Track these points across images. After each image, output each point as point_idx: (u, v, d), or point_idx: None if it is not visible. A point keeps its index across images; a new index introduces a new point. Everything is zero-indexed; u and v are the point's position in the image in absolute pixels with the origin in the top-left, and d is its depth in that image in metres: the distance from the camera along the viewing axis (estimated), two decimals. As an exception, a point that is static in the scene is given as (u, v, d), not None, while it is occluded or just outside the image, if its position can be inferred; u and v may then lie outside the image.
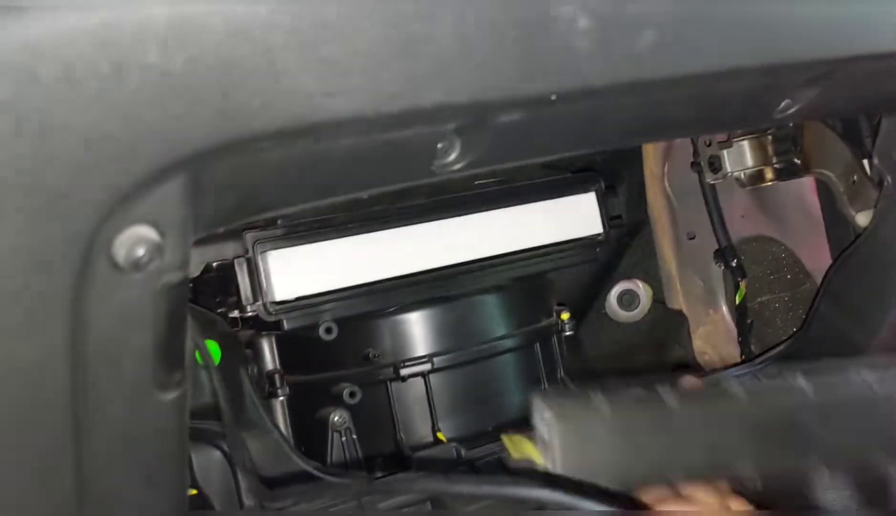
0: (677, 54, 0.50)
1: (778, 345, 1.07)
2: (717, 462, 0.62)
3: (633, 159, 1.26)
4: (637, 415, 0.62)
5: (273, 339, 1.03)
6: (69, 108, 0.35)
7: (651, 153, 1.25)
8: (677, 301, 1.39)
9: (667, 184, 1.26)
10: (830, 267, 0.98)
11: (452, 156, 0.57)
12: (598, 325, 1.42)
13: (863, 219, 0.91)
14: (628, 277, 1.41)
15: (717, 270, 1.27)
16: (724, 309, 1.29)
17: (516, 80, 0.46)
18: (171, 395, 0.50)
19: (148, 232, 0.42)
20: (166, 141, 0.38)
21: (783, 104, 0.69)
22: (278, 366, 1.02)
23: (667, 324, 1.41)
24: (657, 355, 1.44)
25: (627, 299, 1.43)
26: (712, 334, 1.34)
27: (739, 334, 1.17)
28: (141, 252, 0.42)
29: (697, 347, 1.38)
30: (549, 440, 0.60)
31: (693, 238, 1.28)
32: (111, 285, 0.42)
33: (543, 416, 0.60)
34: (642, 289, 1.41)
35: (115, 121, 0.36)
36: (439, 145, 0.55)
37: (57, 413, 0.42)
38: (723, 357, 1.32)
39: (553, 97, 0.49)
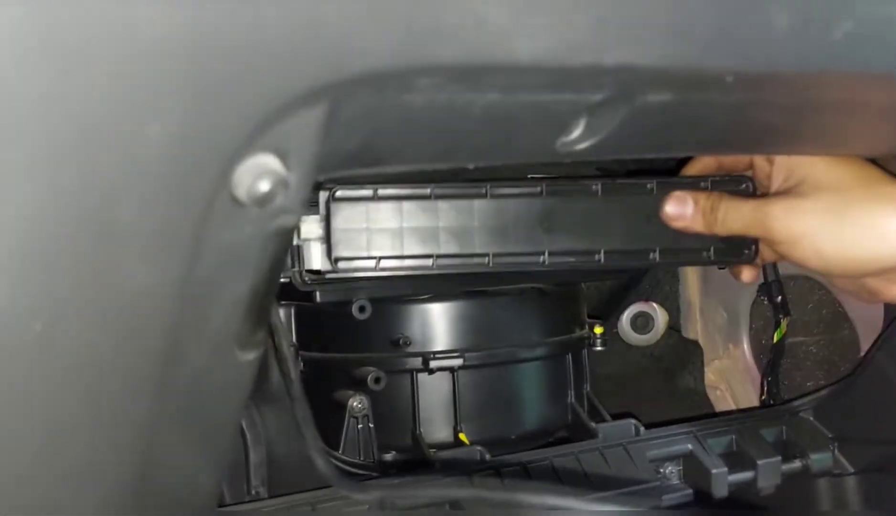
0: (868, 51, 0.45)
1: (821, 389, 1.02)
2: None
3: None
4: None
5: (292, 311, 0.97)
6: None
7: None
8: (694, 330, 1.35)
9: (706, 210, 1.21)
10: (894, 318, 0.94)
11: (577, 134, 0.52)
12: (608, 345, 1.38)
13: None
14: (645, 299, 1.36)
15: (744, 303, 1.23)
16: (745, 345, 1.25)
17: (705, 50, 0.41)
18: (249, 356, 0.44)
19: (275, 163, 0.36)
20: (342, 56, 0.31)
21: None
22: (294, 341, 0.96)
23: (680, 352, 1.37)
24: (666, 383, 1.40)
25: (641, 322, 1.38)
26: (729, 370, 1.30)
27: (768, 374, 1.13)
28: (266, 185, 0.35)
29: (710, 381, 1.33)
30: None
31: (724, 267, 1.23)
32: (225, 218, 0.36)
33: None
34: (658, 313, 1.37)
35: (291, 23, 0.30)
36: (575, 119, 0.49)
37: (150, 358, 0.35)
38: (736, 394, 1.28)
39: (730, 78, 0.43)
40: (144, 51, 0.28)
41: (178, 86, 0.29)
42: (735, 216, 0.74)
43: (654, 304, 1.36)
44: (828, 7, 0.42)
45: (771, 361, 1.12)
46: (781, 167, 0.73)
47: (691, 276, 1.32)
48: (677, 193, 0.78)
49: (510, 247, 0.81)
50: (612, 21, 0.37)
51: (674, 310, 1.36)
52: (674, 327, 1.36)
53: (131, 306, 0.33)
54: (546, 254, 0.81)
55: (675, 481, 0.96)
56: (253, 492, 0.82)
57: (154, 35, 0.28)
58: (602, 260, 0.82)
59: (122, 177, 0.30)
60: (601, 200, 0.81)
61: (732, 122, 0.53)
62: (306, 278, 0.83)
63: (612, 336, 1.38)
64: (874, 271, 0.70)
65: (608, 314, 1.37)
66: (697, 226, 0.78)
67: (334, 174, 0.47)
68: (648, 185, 0.80)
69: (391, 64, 0.33)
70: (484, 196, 0.80)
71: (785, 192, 0.72)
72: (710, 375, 1.34)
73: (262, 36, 0.30)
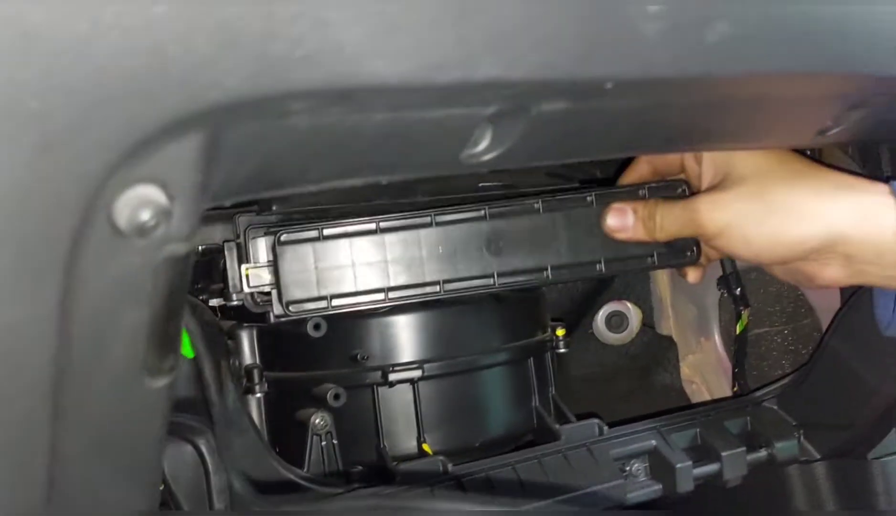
0: (747, 51, 0.46)
1: (782, 378, 1.03)
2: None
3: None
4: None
5: (254, 332, 0.97)
6: (87, 37, 0.30)
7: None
8: (667, 326, 1.36)
9: (667, 205, 1.22)
10: (845, 302, 0.95)
11: (482, 146, 0.53)
12: (584, 345, 1.39)
13: (882, 253, 0.87)
14: (619, 298, 1.37)
15: (712, 298, 1.24)
16: (717, 338, 1.26)
17: (576, 60, 0.42)
18: (159, 383, 0.45)
19: (155, 193, 0.37)
20: (195, 86, 0.32)
21: (827, 124, 0.65)
22: (258, 361, 0.97)
23: (655, 349, 1.38)
24: (642, 380, 1.40)
25: (616, 321, 1.40)
26: (702, 363, 1.31)
27: (735, 365, 1.13)
28: (146, 215, 0.37)
29: (685, 375, 1.34)
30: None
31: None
32: (109, 250, 0.37)
33: None
34: (632, 311, 1.38)
35: (137, 56, 0.31)
36: (473, 133, 0.50)
37: (35, 390, 0.36)
38: (711, 387, 1.29)
39: (609, 85, 0.45)
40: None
41: (25, 122, 0.30)
42: (670, 220, 0.76)
43: (628, 303, 1.38)
44: (699, 11, 0.43)
45: (735, 352, 1.13)
46: (709, 165, 0.74)
47: (661, 274, 1.33)
48: (616, 206, 0.80)
49: (460, 273, 0.83)
50: (474, 38, 0.38)
51: (647, 307, 1.37)
52: (648, 324, 1.37)
53: (2, 342, 0.34)
54: (495, 275, 0.83)
55: (643, 478, 0.96)
56: (216, 517, 0.82)
57: (3, 70, 0.29)
58: (550, 276, 0.84)
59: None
60: (544, 217, 0.84)
61: (633, 125, 0.54)
62: (258, 300, 0.84)
63: (587, 336, 1.39)
64: (802, 254, 0.71)
65: (581, 315, 1.38)
66: (640, 235, 0.80)
67: (237, 199, 0.48)
68: (588, 198, 0.83)
69: (249, 92, 0.34)
70: (429, 225, 0.82)
71: (711, 189, 0.73)
72: (685, 369, 1.35)
73: (105, 75, 0.31)
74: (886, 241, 0.68)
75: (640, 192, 0.81)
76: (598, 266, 0.84)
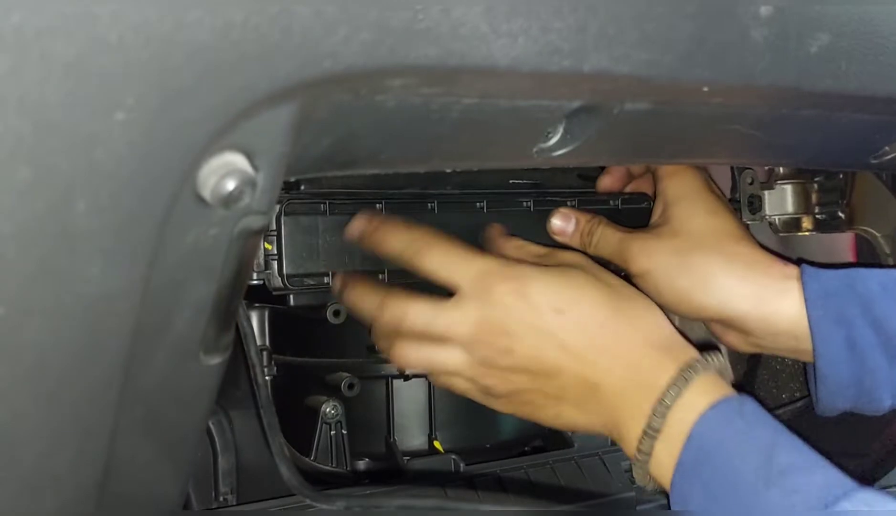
0: (843, 67, 0.45)
1: (791, 402, 1.03)
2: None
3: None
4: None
5: (266, 313, 0.95)
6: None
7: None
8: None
9: (688, 217, 1.21)
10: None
11: (553, 141, 0.51)
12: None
13: (912, 284, 0.87)
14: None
15: (721, 315, 1.23)
16: (722, 353, 1.25)
17: (681, 60, 0.40)
18: (213, 361, 0.43)
19: (242, 162, 0.35)
20: (314, 53, 0.30)
21: (885, 148, 0.64)
22: (267, 344, 0.94)
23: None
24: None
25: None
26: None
27: (746, 385, 1.13)
28: (232, 184, 0.35)
29: (687, 389, 1.33)
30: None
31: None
32: (190, 219, 0.35)
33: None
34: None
35: (266, 13, 0.29)
36: (550, 127, 0.49)
37: (112, 361, 0.34)
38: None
39: (706, 88, 0.43)
40: (104, 47, 0.27)
41: (139, 83, 0.28)
42: (604, 244, 0.79)
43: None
44: (804, 22, 0.42)
45: (746, 373, 1.12)
46: (661, 200, 0.78)
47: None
48: (564, 210, 0.84)
49: None
50: (590, 28, 0.36)
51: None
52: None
53: (91, 309, 0.32)
54: None
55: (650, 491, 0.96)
56: (221, 499, 0.80)
57: (115, 31, 0.27)
58: None
59: (80, 176, 0.29)
60: (533, 215, 0.85)
61: (708, 132, 0.52)
62: (280, 281, 0.82)
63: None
64: (704, 318, 0.77)
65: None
66: (575, 243, 0.82)
67: (306, 175, 0.46)
68: (570, 203, 0.86)
69: (363, 64, 0.32)
70: (432, 211, 0.81)
71: (652, 227, 0.78)
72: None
73: (229, 34, 0.29)
74: (782, 327, 0.72)
75: (612, 203, 0.86)
76: None
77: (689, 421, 0.59)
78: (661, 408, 0.60)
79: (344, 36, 0.31)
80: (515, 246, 0.77)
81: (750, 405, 0.61)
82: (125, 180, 0.30)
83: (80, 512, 0.39)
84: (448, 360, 0.68)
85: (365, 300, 0.72)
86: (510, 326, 0.64)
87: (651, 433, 0.60)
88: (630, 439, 0.63)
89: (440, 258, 0.68)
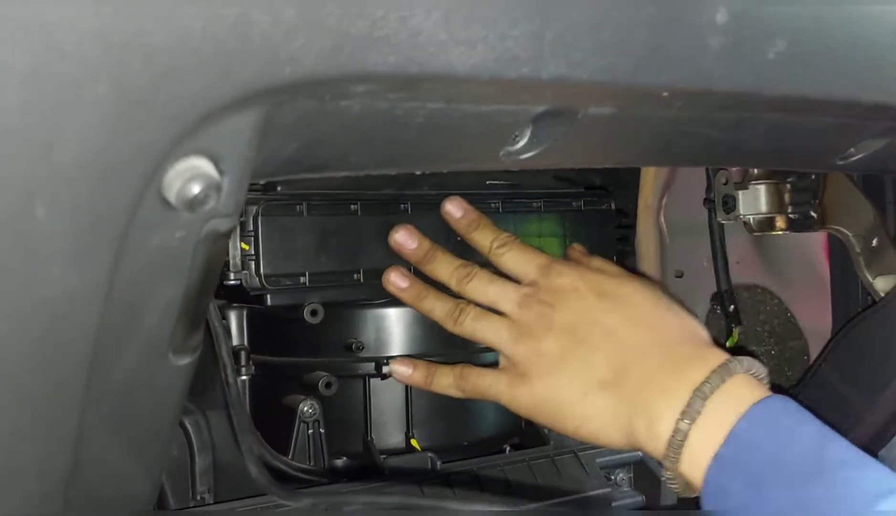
0: (800, 72, 0.46)
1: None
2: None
3: (631, 185, 1.22)
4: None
5: (244, 313, 0.96)
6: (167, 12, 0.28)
7: (649, 184, 1.21)
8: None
9: (662, 218, 1.22)
10: (840, 329, 0.96)
11: (521, 144, 0.52)
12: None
13: (882, 283, 0.89)
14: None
15: (699, 313, 1.25)
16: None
17: (639, 65, 0.41)
18: (183, 361, 0.43)
19: (207, 166, 0.36)
20: (273, 60, 0.31)
21: (850, 150, 0.65)
22: (245, 343, 0.95)
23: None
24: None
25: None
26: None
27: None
28: (197, 188, 0.35)
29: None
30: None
31: (681, 276, 1.24)
32: (155, 222, 0.35)
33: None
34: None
35: (223, 21, 0.29)
36: (516, 130, 0.49)
37: (75, 360, 0.35)
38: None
39: (665, 94, 0.44)
40: (62, 54, 0.28)
41: (97, 90, 0.29)
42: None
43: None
44: (760, 28, 0.43)
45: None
46: None
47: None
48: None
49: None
50: (547, 35, 0.37)
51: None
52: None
53: (53, 310, 0.33)
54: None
55: (626, 488, 0.97)
56: (198, 498, 0.81)
57: (72, 38, 0.28)
58: None
59: (39, 182, 0.30)
60: (504, 216, 0.88)
61: (673, 136, 0.53)
62: (257, 281, 0.82)
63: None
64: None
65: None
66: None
67: (276, 178, 0.47)
68: (535, 204, 0.90)
69: (323, 71, 0.33)
70: (406, 211, 0.83)
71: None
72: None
73: (188, 41, 0.29)
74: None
75: (575, 203, 0.91)
76: None
77: (732, 413, 0.58)
78: (701, 394, 0.60)
79: (303, 43, 0.31)
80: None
81: (794, 404, 0.61)
82: (86, 185, 0.31)
83: (46, 512, 0.39)
84: (505, 293, 0.76)
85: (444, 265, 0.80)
86: (561, 295, 0.72)
87: (692, 414, 0.60)
88: (660, 421, 0.62)
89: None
